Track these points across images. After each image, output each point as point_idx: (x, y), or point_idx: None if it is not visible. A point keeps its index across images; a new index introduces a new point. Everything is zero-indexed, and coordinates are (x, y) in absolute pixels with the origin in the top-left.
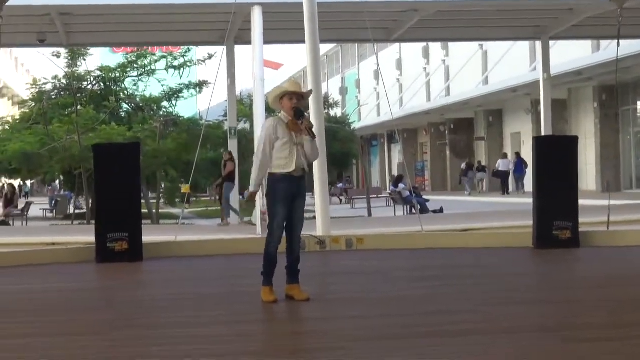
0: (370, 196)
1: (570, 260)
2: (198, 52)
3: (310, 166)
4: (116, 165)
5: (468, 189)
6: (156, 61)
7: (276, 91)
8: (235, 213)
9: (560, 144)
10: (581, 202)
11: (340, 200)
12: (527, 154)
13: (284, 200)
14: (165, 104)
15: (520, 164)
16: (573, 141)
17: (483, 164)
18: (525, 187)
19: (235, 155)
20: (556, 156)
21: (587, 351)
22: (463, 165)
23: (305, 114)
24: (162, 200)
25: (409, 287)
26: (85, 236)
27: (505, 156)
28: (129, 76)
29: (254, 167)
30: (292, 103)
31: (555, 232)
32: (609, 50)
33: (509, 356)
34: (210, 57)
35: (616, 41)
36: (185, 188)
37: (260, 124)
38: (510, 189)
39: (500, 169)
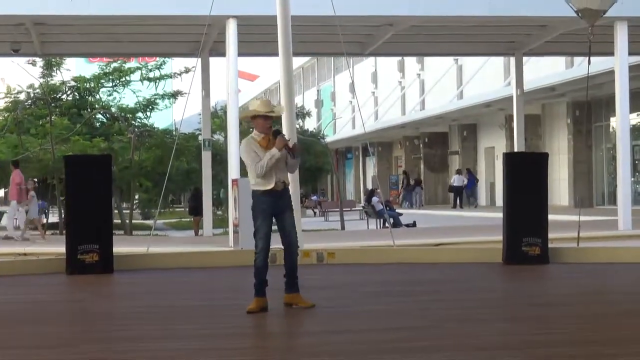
0: (344, 209)
1: (538, 276)
2: (174, 64)
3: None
4: (88, 177)
5: (417, 203)
6: (132, 72)
7: (249, 112)
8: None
9: (530, 161)
10: (553, 217)
11: (315, 213)
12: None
13: (264, 215)
14: (140, 114)
15: (472, 179)
16: (543, 158)
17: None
18: (477, 201)
19: (209, 166)
20: (526, 172)
21: None
22: (411, 181)
23: (282, 133)
24: (137, 211)
25: (376, 302)
26: (57, 247)
27: (459, 172)
28: (103, 86)
29: (257, 169)
30: (268, 123)
31: (524, 248)
32: (582, 66)
33: None
34: (187, 70)
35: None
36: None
37: (235, 134)
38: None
39: (454, 184)
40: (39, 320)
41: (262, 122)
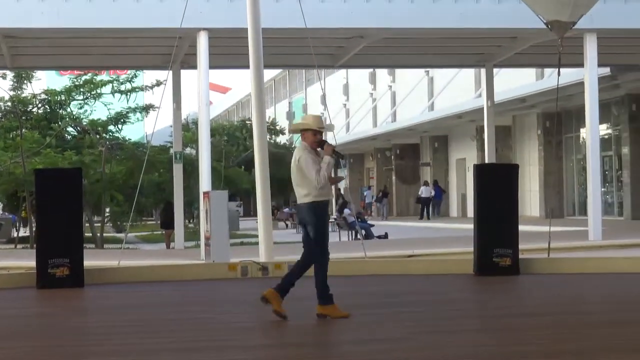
0: None
1: (509, 287)
2: (146, 77)
3: None
4: (58, 190)
5: (384, 214)
6: (103, 85)
7: (299, 125)
8: None
9: (500, 172)
10: (524, 228)
11: (287, 225)
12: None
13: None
14: (111, 127)
15: (438, 191)
16: (514, 169)
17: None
18: (437, 214)
19: (181, 178)
20: (497, 184)
21: None
22: (379, 193)
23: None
24: (108, 224)
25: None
26: (27, 261)
27: (426, 184)
28: (74, 99)
29: (320, 179)
30: (317, 138)
31: (495, 259)
32: (552, 78)
33: None
34: (158, 83)
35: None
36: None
37: (206, 147)
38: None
39: (422, 195)
40: (8, 335)
41: (312, 137)
